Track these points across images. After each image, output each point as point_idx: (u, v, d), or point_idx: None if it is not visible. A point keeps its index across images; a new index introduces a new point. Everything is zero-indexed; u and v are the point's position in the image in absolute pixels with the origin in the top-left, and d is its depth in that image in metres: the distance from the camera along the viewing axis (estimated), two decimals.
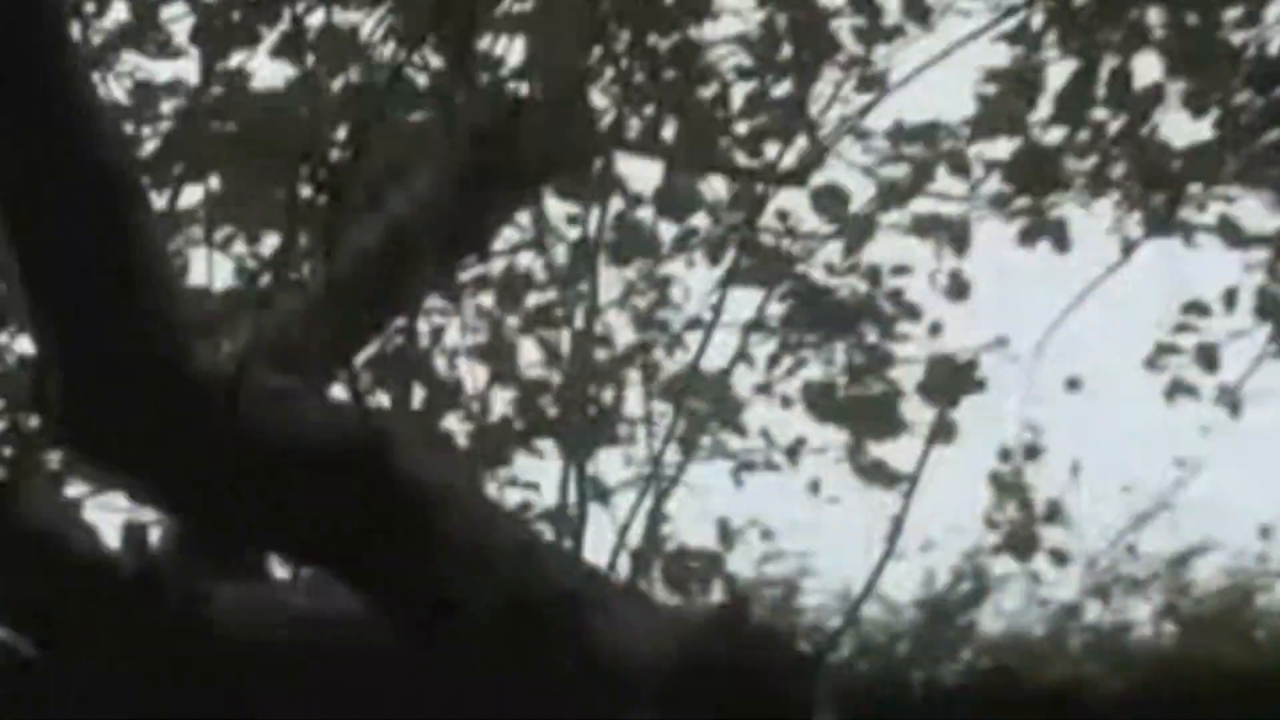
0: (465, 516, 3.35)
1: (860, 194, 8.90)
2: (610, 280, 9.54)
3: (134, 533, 3.63)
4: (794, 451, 9.40)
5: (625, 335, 9.71)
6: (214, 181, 8.88)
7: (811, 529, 10.27)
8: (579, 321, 9.52)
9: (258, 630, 3.34)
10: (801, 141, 8.57)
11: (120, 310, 3.19)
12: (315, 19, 8.66)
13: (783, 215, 8.93)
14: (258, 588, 3.45)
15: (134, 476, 3.36)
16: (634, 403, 9.66)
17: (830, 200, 8.63)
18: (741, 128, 8.39)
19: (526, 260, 9.60)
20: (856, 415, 9.17)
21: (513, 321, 9.41)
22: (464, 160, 7.03)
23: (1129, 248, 8.72)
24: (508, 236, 9.59)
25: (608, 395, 9.55)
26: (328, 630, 3.31)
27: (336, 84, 8.71)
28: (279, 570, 4.02)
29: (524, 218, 9.49)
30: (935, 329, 9.57)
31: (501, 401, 8.91)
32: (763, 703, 3.20)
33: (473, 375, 8.93)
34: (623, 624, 3.22)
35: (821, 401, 9.17)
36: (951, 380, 9.25)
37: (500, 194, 7.30)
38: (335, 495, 3.26)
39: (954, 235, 8.95)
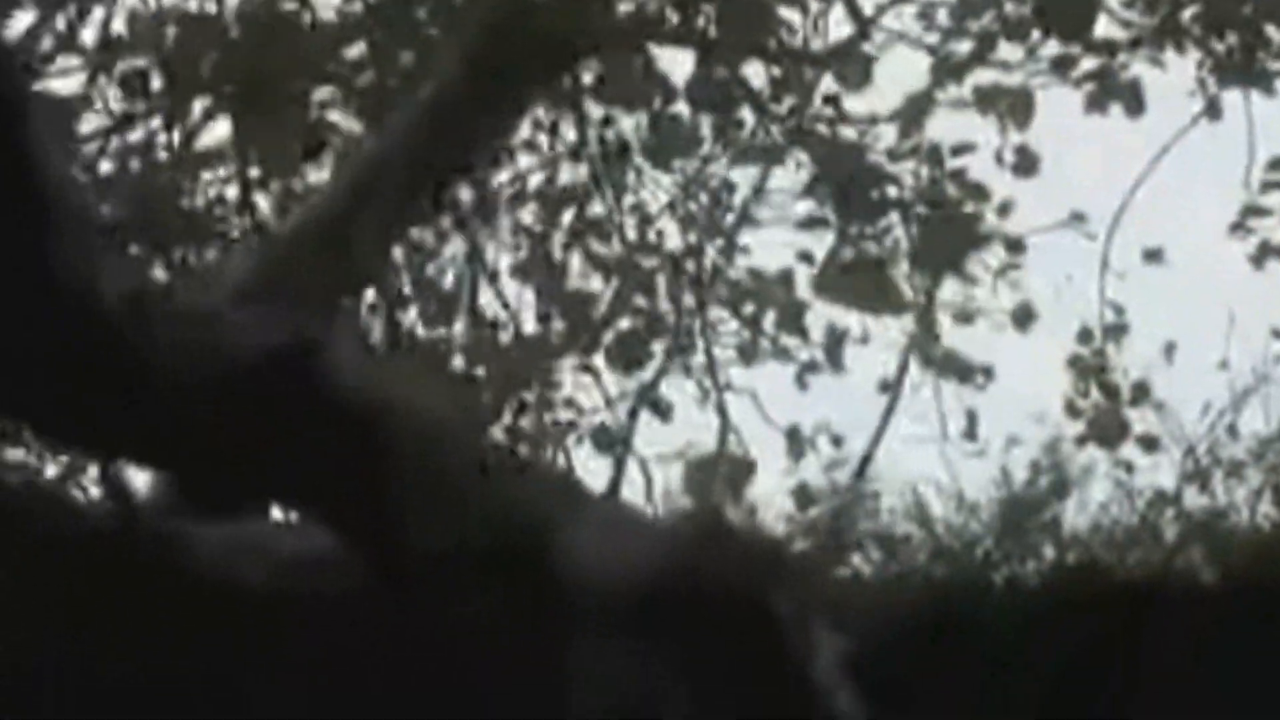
0: (413, 431, 2.94)
1: (915, 68, 8.33)
2: (666, 186, 9.04)
3: (112, 478, 3.23)
4: (836, 344, 8.80)
5: (676, 242, 9.20)
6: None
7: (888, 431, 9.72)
8: (629, 232, 9.03)
9: (235, 574, 2.93)
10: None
11: (14, 233, 2.74)
12: None
13: (830, 99, 8.35)
14: (241, 530, 3.04)
15: (43, 416, 2.93)
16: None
17: (853, 68, 7.96)
18: (782, 9, 7.82)
19: (567, 173, 9.13)
20: (852, 289, 8.55)
21: (557, 236, 8.92)
22: (474, 53, 6.51)
23: (1212, 105, 8.09)
24: (546, 146, 9.13)
25: (662, 305, 9.05)
26: (305, 574, 2.88)
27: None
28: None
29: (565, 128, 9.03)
30: (1005, 209, 9.00)
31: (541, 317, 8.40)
32: (740, 624, 2.76)
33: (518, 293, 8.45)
34: (593, 545, 2.82)
35: (821, 278, 8.57)
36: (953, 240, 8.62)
37: (513, 87, 6.76)
38: (262, 414, 2.81)
39: (1016, 106, 8.34)
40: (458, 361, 7.91)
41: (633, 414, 8.47)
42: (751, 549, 2.91)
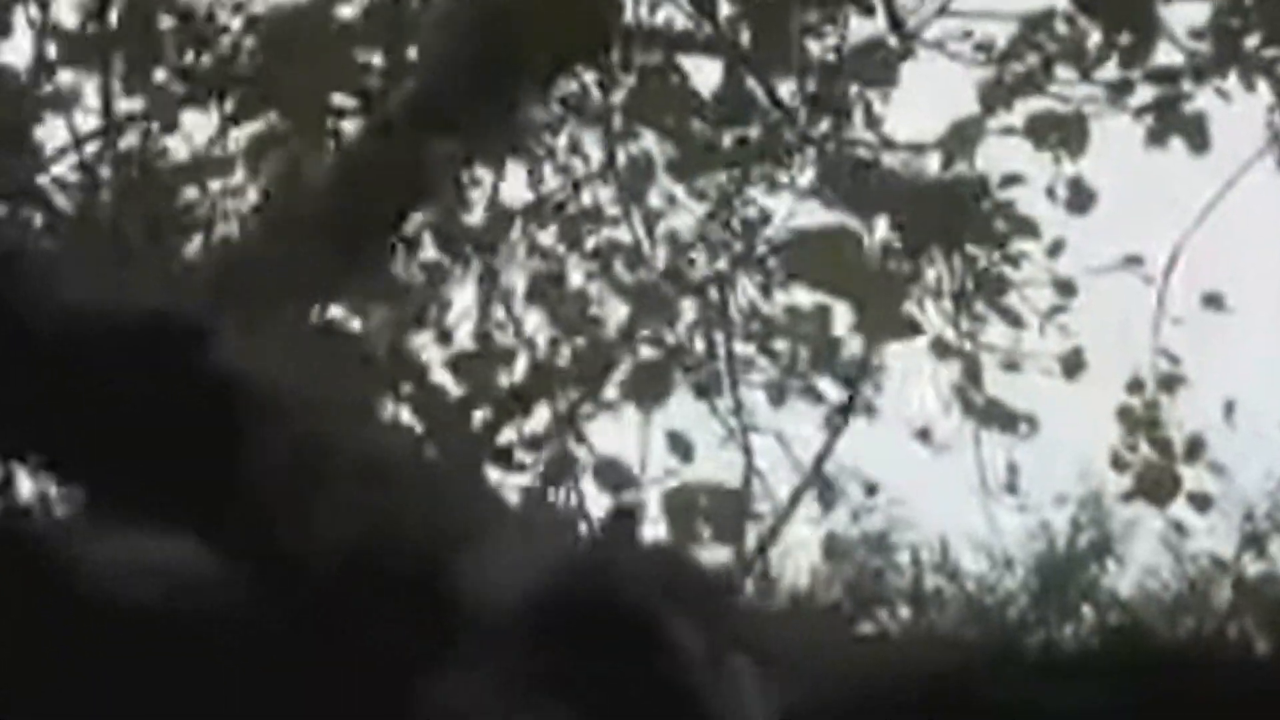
0: (302, 427, 2.58)
1: (962, 92, 7.81)
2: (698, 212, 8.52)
3: None
4: (862, 376, 8.19)
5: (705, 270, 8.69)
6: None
7: (918, 481, 9.17)
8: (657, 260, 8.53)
9: (123, 593, 2.55)
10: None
11: None
12: None
13: (873, 121, 7.83)
14: (142, 544, 2.55)
15: None
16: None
17: (879, 69, 7.36)
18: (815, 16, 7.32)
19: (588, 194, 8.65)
20: (845, 281, 7.91)
21: (574, 259, 8.44)
22: (472, 41, 6.03)
23: (1278, 139, 7.55)
24: (572, 167, 8.68)
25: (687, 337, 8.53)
26: (190, 595, 2.39)
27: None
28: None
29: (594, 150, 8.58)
30: (1056, 248, 8.46)
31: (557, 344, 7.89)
32: (622, 648, 2.31)
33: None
34: (497, 565, 2.43)
35: (805, 264, 7.94)
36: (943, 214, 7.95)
37: (512, 81, 6.28)
38: (125, 394, 2.49)
39: (1070, 135, 7.80)
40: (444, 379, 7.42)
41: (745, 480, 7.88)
42: (656, 567, 2.42)
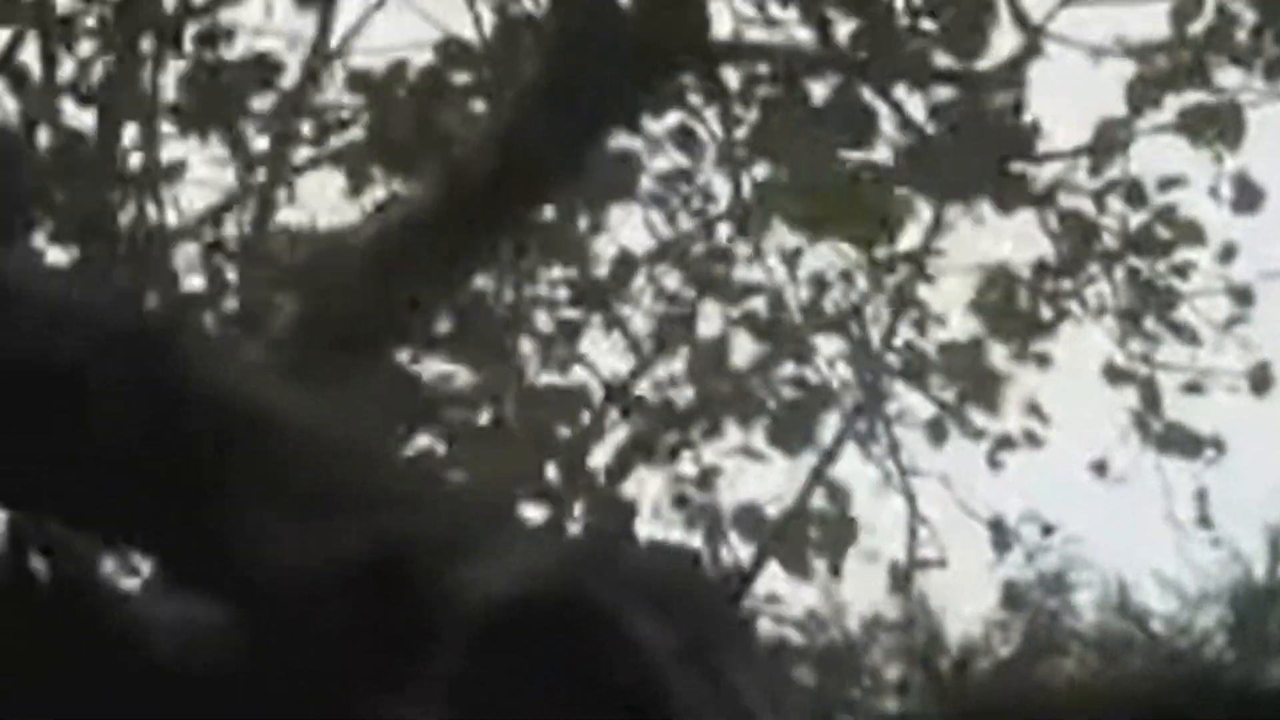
0: (289, 450, 2.40)
1: (1103, 89, 7.20)
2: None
3: (17, 529, 2.68)
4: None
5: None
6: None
7: (1093, 516, 8.51)
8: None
9: (173, 647, 2.51)
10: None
11: None
12: None
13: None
14: (164, 604, 2.56)
15: None
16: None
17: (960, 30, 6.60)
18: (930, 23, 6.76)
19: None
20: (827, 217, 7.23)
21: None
22: (548, 69, 5.59)
23: None
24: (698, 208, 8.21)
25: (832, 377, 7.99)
26: (207, 647, 2.45)
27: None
28: None
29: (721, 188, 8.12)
30: (1227, 253, 7.79)
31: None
32: (591, 653, 2.20)
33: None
34: (501, 569, 2.31)
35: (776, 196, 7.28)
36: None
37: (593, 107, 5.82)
38: (90, 409, 2.35)
39: (1226, 127, 7.14)
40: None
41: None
42: (635, 566, 2.28)
